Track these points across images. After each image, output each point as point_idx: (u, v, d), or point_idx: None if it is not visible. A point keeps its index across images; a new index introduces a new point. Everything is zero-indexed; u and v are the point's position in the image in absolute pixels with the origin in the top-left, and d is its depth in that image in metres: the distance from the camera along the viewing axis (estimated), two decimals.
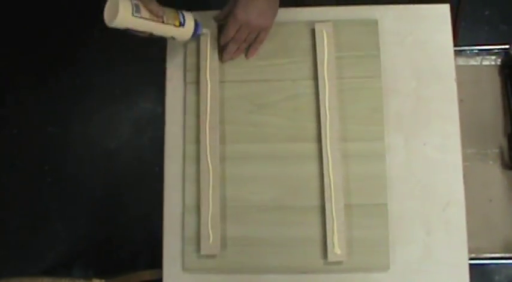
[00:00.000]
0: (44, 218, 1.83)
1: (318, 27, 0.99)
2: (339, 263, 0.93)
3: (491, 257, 1.02)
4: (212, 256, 0.94)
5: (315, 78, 0.99)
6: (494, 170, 1.07)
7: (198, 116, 0.98)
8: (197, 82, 1.00)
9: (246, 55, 1.00)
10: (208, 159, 0.96)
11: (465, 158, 0.96)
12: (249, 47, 0.99)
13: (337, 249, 0.91)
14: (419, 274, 0.93)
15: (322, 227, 0.94)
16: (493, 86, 1.08)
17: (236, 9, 0.91)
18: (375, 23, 1.01)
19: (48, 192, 1.85)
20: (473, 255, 0.99)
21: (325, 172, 0.94)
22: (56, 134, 1.90)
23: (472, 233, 0.94)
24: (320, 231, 0.94)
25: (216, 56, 1.00)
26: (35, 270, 1.79)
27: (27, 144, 1.90)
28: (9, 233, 1.83)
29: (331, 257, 0.91)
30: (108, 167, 1.88)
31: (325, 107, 0.96)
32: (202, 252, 0.93)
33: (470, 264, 0.93)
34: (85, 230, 1.82)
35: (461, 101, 0.99)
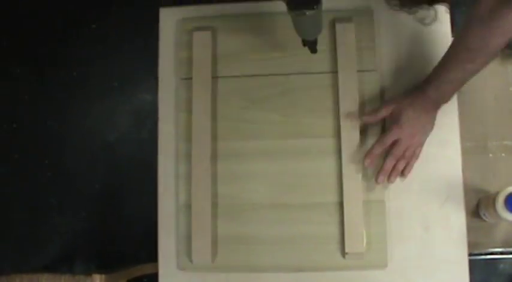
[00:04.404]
0: (44, 213, 1.82)
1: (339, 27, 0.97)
2: (336, 260, 0.91)
3: (491, 252, 1.00)
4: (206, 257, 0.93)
5: (309, 72, 0.97)
6: (494, 163, 1.05)
7: (190, 113, 0.97)
8: (190, 78, 0.98)
9: (402, 174, 0.92)
10: (201, 157, 0.94)
11: (464, 151, 0.93)
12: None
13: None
14: (418, 271, 0.91)
15: (319, 224, 0.92)
16: (493, 76, 1.06)
17: (402, 121, 0.88)
18: (370, 13, 0.98)
19: (48, 187, 1.84)
20: (472, 251, 0.98)
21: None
22: (54, 127, 1.89)
23: (471, 228, 0.92)
24: (317, 229, 0.92)
25: (209, 51, 0.98)
26: (36, 265, 1.79)
27: (26, 139, 1.89)
28: (9, 227, 1.83)
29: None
30: (108, 160, 1.87)
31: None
32: (194, 261, 0.92)
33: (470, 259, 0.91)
34: (86, 224, 1.81)
35: (460, 92, 0.96)
